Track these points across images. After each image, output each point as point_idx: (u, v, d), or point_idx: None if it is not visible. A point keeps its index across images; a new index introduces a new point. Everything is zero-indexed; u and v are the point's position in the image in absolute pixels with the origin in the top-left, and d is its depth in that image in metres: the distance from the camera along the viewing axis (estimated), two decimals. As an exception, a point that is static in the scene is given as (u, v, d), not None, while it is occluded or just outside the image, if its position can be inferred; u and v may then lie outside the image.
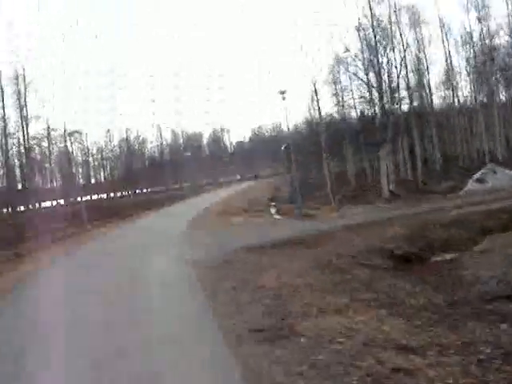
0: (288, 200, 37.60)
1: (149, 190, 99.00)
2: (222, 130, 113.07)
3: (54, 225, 37.04)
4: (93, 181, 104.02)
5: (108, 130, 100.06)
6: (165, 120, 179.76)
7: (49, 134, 63.11)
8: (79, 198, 52.98)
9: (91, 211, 49.73)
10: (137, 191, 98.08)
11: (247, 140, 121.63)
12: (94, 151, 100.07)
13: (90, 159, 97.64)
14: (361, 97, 31.98)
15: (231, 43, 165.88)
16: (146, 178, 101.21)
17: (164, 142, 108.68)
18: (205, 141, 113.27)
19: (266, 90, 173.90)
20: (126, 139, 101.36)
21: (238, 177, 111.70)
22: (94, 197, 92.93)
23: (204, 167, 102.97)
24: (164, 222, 30.51)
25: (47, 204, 72.45)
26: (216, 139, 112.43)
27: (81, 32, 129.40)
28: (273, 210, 34.94)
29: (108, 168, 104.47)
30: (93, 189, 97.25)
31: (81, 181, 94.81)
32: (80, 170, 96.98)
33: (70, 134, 29.90)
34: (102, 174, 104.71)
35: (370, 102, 30.18)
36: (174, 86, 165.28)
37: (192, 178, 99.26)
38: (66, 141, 78.74)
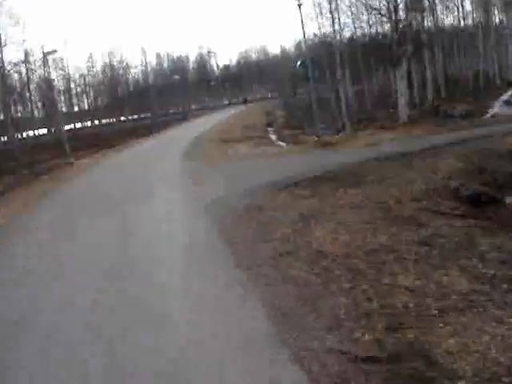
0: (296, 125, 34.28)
1: (134, 116, 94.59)
2: (209, 52, 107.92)
3: (37, 156, 33.85)
4: (76, 109, 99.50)
5: (90, 55, 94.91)
6: (149, 42, 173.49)
7: (26, 57, 58.41)
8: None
9: (75, 141, 46.51)
10: (122, 118, 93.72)
11: (234, 63, 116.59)
12: (76, 77, 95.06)
13: (72, 85, 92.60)
14: (374, 9, 28.06)
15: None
16: (131, 105, 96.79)
17: (149, 67, 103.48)
18: (191, 64, 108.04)
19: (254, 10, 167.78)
20: (110, 64, 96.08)
21: (226, 101, 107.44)
22: (78, 125, 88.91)
23: (190, 92, 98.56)
24: (157, 153, 26.12)
25: (29, 134, 68.71)
26: (202, 62, 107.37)
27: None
28: (273, 137, 31.51)
29: (91, 95, 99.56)
30: (76, 117, 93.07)
31: (63, 109, 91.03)
32: (62, 97, 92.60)
33: (48, 54, 25.64)
34: (85, 101, 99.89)
35: (387, 15, 26.25)
36: (158, 5, 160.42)
37: (179, 104, 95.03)
38: (44, 65, 75.33)
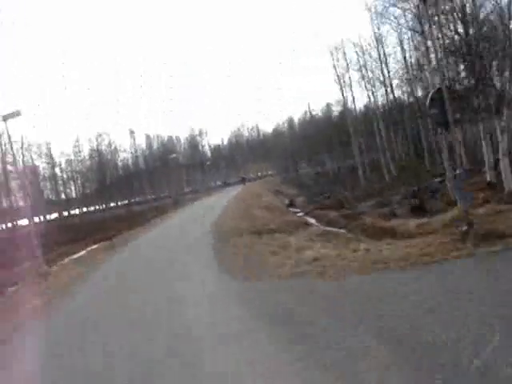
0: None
1: (125, 202, 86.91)
2: (201, 133, 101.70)
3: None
4: (63, 196, 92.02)
5: (77, 139, 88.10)
6: (138, 125, 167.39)
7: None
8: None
9: (60, 233, 38.78)
10: (112, 204, 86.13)
11: (226, 142, 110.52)
12: (63, 163, 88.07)
13: (58, 171, 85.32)
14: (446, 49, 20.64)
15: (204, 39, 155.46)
16: (120, 190, 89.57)
17: (138, 150, 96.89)
18: (182, 146, 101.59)
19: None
20: (97, 148, 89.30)
21: (218, 182, 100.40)
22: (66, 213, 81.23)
23: (182, 174, 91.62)
24: (175, 258, 15.25)
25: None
26: (194, 143, 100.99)
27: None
28: (314, 221, 23.09)
29: (79, 181, 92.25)
30: (63, 205, 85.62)
31: (49, 197, 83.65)
32: (48, 184, 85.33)
33: (9, 117, 17.97)
34: (72, 188, 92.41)
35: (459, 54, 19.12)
36: (145, 85, 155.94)
37: (171, 187, 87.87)
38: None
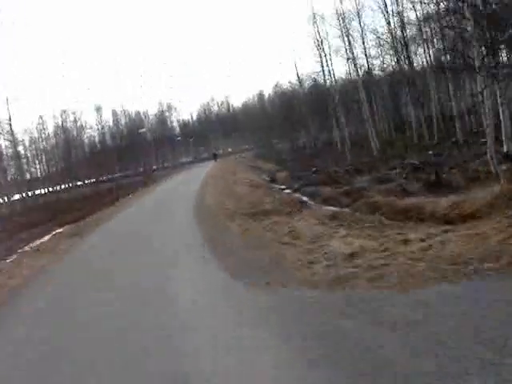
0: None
1: (93, 180, 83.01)
2: (169, 108, 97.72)
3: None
4: (28, 176, 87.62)
5: (40, 117, 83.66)
6: (104, 100, 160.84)
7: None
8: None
9: (19, 215, 35.58)
10: (78, 183, 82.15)
11: (195, 118, 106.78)
12: (27, 143, 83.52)
13: (21, 150, 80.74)
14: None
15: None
16: (87, 168, 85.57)
17: (105, 126, 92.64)
18: (150, 121, 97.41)
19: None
20: (62, 125, 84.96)
21: (189, 159, 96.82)
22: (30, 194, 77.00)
23: (151, 150, 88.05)
24: (163, 244, 12.55)
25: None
26: (162, 119, 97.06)
27: None
28: (310, 201, 20.05)
29: (44, 160, 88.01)
30: (27, 185, 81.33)
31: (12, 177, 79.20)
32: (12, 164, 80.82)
33: None
34: (37, 167, 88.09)
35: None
36: (113, 58, 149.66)
37: (140, 164, 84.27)
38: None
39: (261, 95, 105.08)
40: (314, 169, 30.19)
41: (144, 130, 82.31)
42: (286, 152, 58.31)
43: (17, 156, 79.10)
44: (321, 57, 46.71)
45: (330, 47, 46.08)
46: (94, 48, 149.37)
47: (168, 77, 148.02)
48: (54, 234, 22.30)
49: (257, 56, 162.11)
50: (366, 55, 43.99)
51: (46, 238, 21.85)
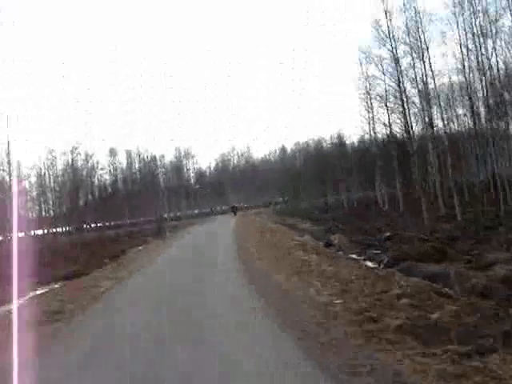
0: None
1: (99, 225, 75.04)
2: (187, 154, 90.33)
3: None
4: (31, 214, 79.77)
5: (50, 151, 76.22)
6: (119, 140, 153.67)
7: None
8: None
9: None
10: (84, 226, 74.22)
11: (213, 167, 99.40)
12: (32, 179, 75.94)
13: (27, 185, 73.17)
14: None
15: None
16: (94, 212, 77.80)
17: (118, 168, 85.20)
18: (165, 163, 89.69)
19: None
20: (72, 163, 77.50)
21: (205, 210, 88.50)
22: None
23: (164, 198, 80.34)
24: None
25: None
26: (178, 166, 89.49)
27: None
28: None
29: (51, 200, 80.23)
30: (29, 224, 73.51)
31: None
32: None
33: None
34: (42, 205, 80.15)
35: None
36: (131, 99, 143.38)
37: (151, 212, 76.24)
38: None
39: (283, 150, 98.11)
40: (388, 234, 22.12)
41: (159, 172, 74.49)
42: (316, 209, 50.23)
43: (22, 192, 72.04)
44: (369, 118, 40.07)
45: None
46: (112, 86, 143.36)
47: (188, 123, 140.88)
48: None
49: (280, 109, 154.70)
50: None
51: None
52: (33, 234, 68.55)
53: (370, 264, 16.15)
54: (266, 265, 14.36)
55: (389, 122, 38.89)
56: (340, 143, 61.53)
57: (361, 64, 44.71)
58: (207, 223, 53.98)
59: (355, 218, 36.73)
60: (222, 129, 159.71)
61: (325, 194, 57.08)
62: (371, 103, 44.02)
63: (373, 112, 44.24)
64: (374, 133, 45.33)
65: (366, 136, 49.22)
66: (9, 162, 55.33)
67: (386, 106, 38.59)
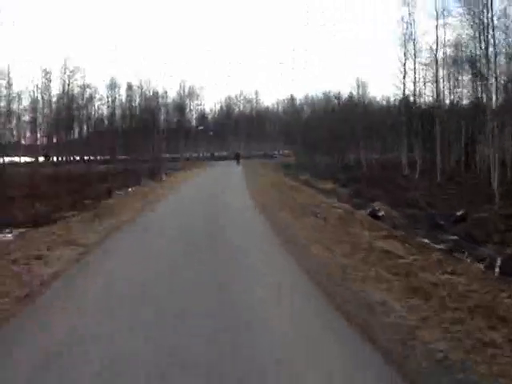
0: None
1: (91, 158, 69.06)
2: (191, 93, 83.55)
3: None
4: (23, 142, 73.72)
5: (45, 72, 69.13)
6: (121, 70, 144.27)
7: None
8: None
9: None
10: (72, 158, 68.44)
11: (217, 110, 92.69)
12: (26, 103, 69.27)
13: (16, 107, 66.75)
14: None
15: None
16: (87, 144, 71.71)
17: (116, 99, 78.57)
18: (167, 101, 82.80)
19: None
20: (67, 90, 70.79)
21: (206, 154, 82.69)
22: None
23: (162, 136, 73.92)
24: None
25: None
26: (181, 105, 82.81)
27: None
28: None
29: (42, 127, 73.50)
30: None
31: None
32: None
33: None
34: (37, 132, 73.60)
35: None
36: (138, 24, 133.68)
37: (147, 151, 70.10)
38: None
39: (292, 100, 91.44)
40: (461, 212, 16.50)
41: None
42: (330, 167, 44.37)
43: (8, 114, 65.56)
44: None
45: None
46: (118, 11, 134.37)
47: (195, 61, 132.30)
48: None
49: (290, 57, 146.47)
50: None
51: None
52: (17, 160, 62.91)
53: (477, 264, 10.43)
54: (318, 248, 8.96)
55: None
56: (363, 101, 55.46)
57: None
58: (209, 169, 48.21)
59: (383, 182, 30.99)
60: (231, 71, 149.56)
61: (342, 150, 51.04)
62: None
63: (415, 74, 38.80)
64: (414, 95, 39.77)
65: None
66: None
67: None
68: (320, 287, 6.46)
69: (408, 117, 40.74)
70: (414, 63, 38.97)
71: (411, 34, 39.26)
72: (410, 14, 39.48)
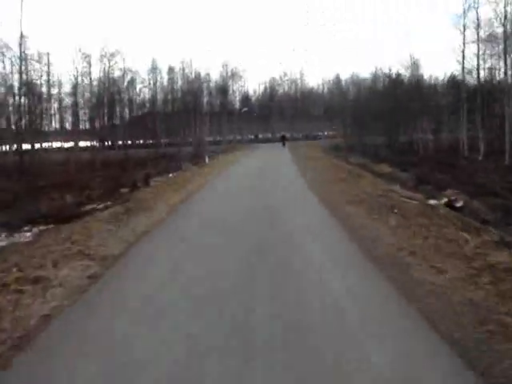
0: None
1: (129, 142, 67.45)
2: (234, 75, 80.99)
3: None
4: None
5: (85, 55, 67.41)
6: (161, 54, 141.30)
7: None
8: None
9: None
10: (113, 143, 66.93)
11: (261, 91, 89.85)
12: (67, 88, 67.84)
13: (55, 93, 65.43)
14: None
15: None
16: (128, 129, 70.29)
17: (158, 82, 76.60)
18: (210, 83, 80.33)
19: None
20: (108, 74, 68.97)
21: (250, 136, 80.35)
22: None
23: (206, 119, 71.71)
24: None
25: None
26: (223, 87, 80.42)
27: None
28: None
29: (83, 111, 71.95)
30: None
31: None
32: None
33: None
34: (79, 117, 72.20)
35: None
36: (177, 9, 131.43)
37: (190, 134, 68.14)
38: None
39: (338, 80, 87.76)
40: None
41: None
42: (382, 150, 41.33)
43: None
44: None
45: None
46: None
47: (238, 41, 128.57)
48: None
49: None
50: None
51: None
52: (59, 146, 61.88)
53: None
54: (422, 267, 6.28)
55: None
56: (416, 80, 51.80)
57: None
58: (253, 153, 45.75)
59: (444, 165, 27.94)
60: (275, 52, 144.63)
61: (394, 131, 47.79)
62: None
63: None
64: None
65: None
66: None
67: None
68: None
69: (468, 95, 37.29)
70: (478, 34, 35.19)
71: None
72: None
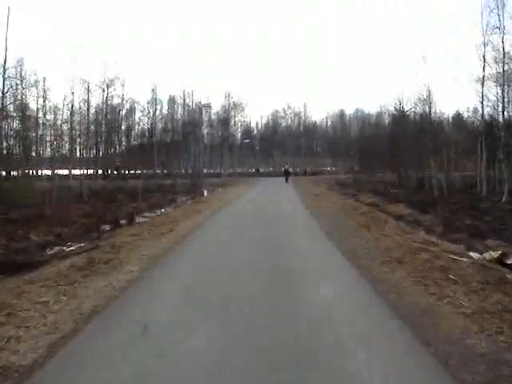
0: None
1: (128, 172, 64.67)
2: (236, 106, 78.65)
3: None
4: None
5: (84, 83, 64.88)
6: (161, 84, 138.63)
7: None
8: None
9: None
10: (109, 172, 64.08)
11: (263, 124, 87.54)
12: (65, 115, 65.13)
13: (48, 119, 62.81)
14: None
15: None
16: (127, 158, 67.68)
17: (157, 111, 74.10)
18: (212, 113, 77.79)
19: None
20: (106, 101, 66.33)
21: (251, 170, 77.66)
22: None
23: (205, 150, 68.96)
24: None
25: None
26: (225, 118, 77.98)
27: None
28: None
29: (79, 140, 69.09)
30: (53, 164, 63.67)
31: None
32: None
33: None
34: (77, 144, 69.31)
35: None
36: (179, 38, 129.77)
37: (188, 165, 65.50)
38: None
39: (342, 115, 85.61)
40: None
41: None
42: (393, 187, 38.61)
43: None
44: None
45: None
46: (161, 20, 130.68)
47: (241, 73, 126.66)
48: None
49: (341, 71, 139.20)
50: None
51: None
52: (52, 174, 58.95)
53: None
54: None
55: None
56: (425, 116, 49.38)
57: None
58: (254, 188, 42.58)
59: (466, 207, 25.00)
60: (277, 84, 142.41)
61: (405, 168, 45.05)
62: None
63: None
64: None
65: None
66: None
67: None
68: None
69: (489, 130, 34.63)
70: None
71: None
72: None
